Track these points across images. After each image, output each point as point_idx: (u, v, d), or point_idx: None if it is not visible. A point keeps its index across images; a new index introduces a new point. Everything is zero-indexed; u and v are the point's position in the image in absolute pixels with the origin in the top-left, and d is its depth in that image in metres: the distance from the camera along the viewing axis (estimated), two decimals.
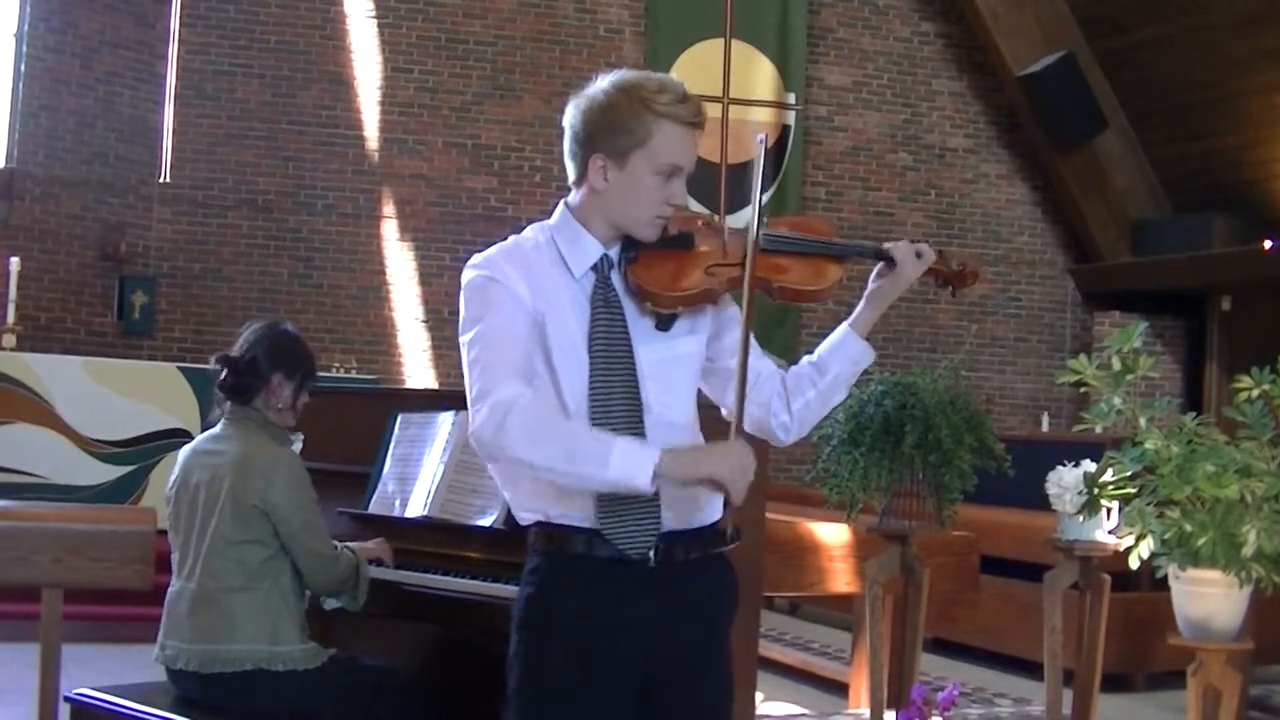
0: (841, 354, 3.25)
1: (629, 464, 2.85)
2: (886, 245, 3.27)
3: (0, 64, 12.21)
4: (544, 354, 3.04)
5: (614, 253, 3.12)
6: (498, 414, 2.89)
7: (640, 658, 3.04)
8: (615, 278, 3.11)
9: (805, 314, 13.26)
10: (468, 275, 3.10)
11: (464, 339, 3.07)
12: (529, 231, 3.18)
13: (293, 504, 4.21)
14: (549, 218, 3.19)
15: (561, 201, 3.18)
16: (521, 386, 2.95)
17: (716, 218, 3.25)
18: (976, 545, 6.89)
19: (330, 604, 4.41)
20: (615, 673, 3.03)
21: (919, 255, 3.24)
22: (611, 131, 3.04)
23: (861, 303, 3.28)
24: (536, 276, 3.06)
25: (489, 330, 3.02)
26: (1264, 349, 5.08)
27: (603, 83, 3.09)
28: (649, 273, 3.08)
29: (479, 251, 3.13)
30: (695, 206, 12.52)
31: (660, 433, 3.05)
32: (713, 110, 13.30)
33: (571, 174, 3.14)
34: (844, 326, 3.26)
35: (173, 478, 4.45)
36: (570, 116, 3.11)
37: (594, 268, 3.10)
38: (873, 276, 3.30)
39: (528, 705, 3.06)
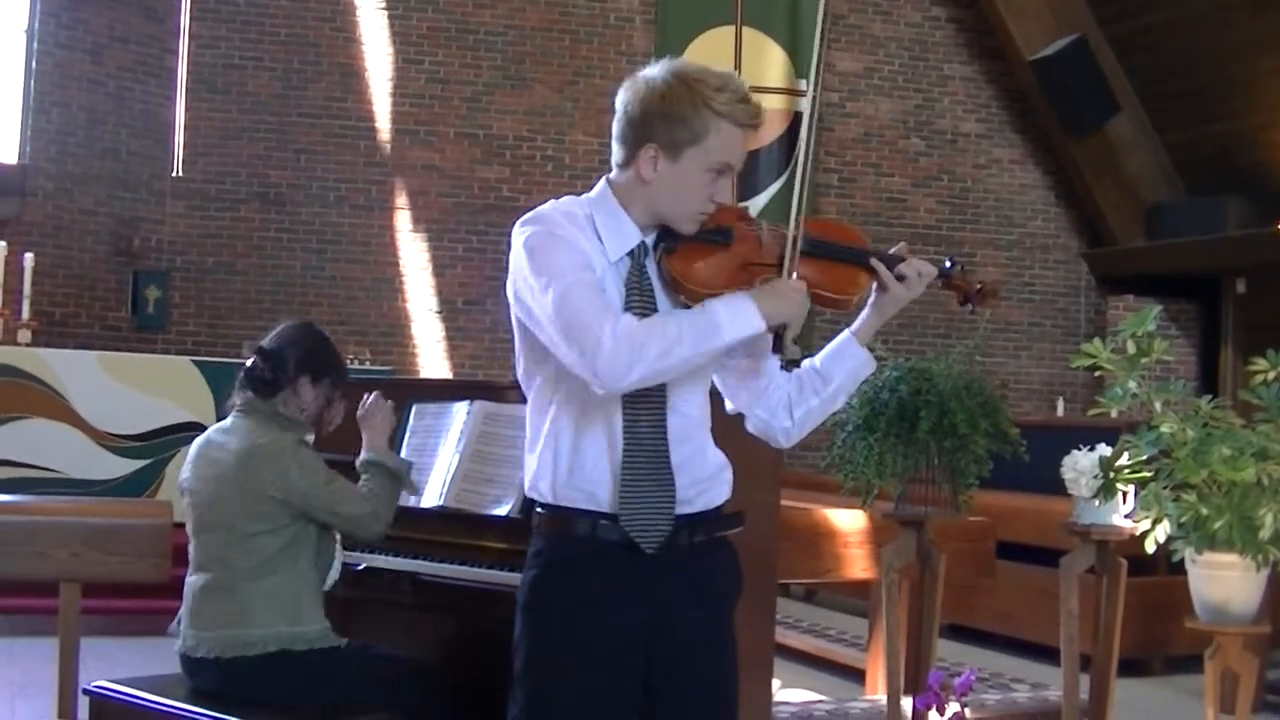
0: (844, 364, 3.24)
1: (739, 321, 2.97)
2: (900, 268, 3.21)
3: (11, 60, 12.24)
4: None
5: (651, 240, 3.12)
6: (624, 341, 2.87)
7: (644, 640, 3.06)
8: (650, 265, 3.11)
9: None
10: (526, 232, 3.05)
11: (544, 291, 2.97)
12: (567, 201, 3.15)
13: (313, 484, 4.21)
14: (589, 191, 3.18)
15: (604, 178, 3.17)
16: (620, 313, 2.96)
17: (751, 209, 3.24)
18: (992, 530, 6.89)
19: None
20: (619, 655, 3.04)
21: (920, 275, 3.20)
22: (668, 123, 3.03)
23: (865, 310, 3.26)
24: (583, 242, 3.06)
25: (572, 278, 2.97)
26: (1279, 331, 5.09)
27: (661, 69, 3.08)
28: (685, 266, 3.07)
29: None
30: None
31: (676, 423, 3.07)
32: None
33: (617, 156, 3.13)
34: (846, 334, 3.25)
35: (185, 471, 4.45)
36: (625, 99, 3.09)
37: (630, 253, 3.10)
38: (876, 285, 3.28)
39: (532, 688, 3.08)
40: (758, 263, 3.12)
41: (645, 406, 3.03)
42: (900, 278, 3.18)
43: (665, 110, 3.03)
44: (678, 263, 3.07)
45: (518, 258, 3.05)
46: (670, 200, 3.07)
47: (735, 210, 3.21)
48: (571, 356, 2.93)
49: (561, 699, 3.04)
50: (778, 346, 3.06)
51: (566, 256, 3.00)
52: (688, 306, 3.06)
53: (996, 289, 3.44)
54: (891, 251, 3.23)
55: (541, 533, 3.13)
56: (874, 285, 3.20)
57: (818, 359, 3.28)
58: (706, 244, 3.11)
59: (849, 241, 3.24)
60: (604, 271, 3.05)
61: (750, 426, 3.30)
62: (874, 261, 3.19)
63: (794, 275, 3.05)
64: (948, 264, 3.31)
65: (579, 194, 3.19)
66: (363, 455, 4.42)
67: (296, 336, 4.47)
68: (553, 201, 3.14)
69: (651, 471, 3.03)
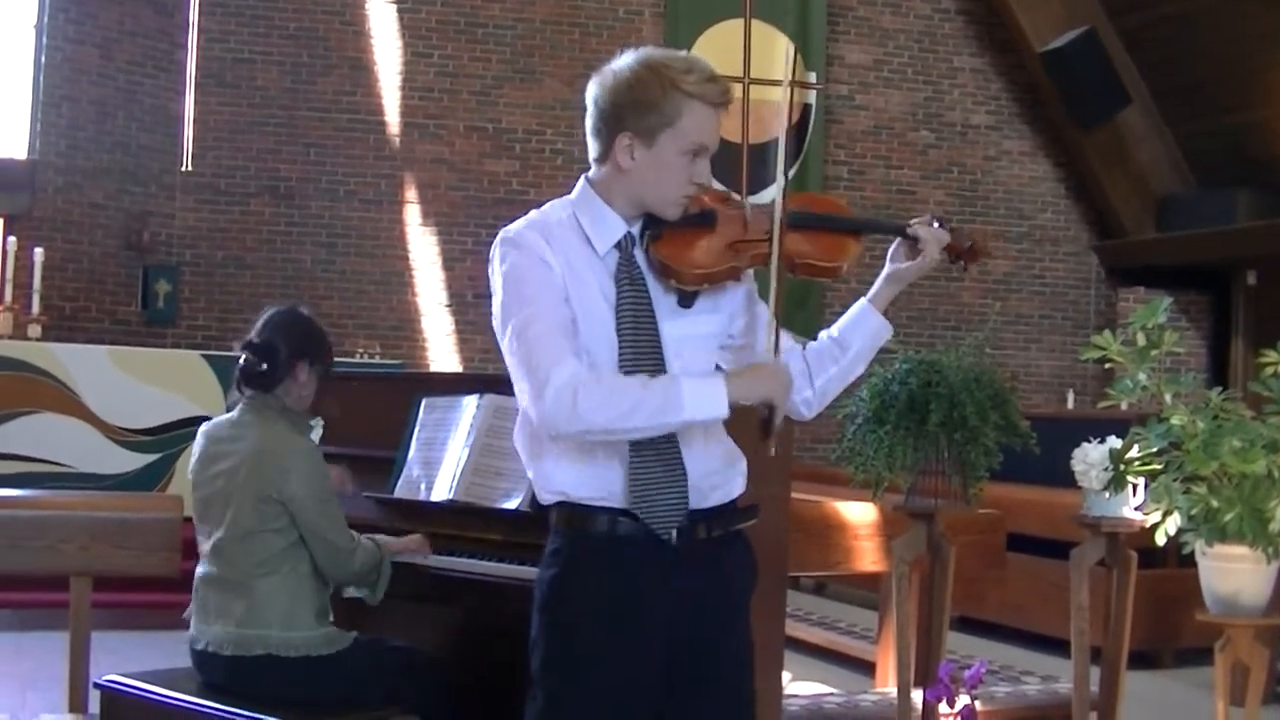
0: (861, 330, 3.25)
1: (704, 402, 2.94)
2: (912, 223, 3.27)
3: (20, 55, 12.25)
4: (574, 329, 3.04)
5: (636, 230, 3.12)
6: (566, 395, 2.90)
7: (664, 635, 3.06)
8: (639, 255, 3.11)
9: (828, 294, 13.24)
10: (501, 252, 3.09)
11: (506, 321, 3.05)
12: (550, 207, 3.17)
13: (310, 495, 4.21)
14: (569, 193, 3.19)
15: (582, 177, 3.18)
16: (574, 361, 2.96)
17: (737, 196, 3.26)
18: (1003, 523, 6.88)
19: (349, 592, 4.41)
20: (640, 650, 3.04)
21: (937, 240, 3.25)
22: (639, 110, 3.03)
23: (879, 281, 3.29)
24: (563, 251, 3.07)
25: (534, 311, 3.01)
26: None
27: (627, 59, 3.08)
28: (673, 250, 3.08)
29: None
30: (717, 187, 12.50)
31: None
32: (734, 91, 13.23)
33: (594, 151, 3.14)
34: (862, 302, 3.27)
35: (193, 460, 4.44)
36: (594, 93, 3.10)
37: (617, 245, 3.10)
38: (891, 254, 3.30)
39: (553, 687, 3.07)
40: (744, 239, 3.13)
41: None
42: (913, 240, 3.24)
43: (635, 98, 3.04)
44: (665, 248, 3.09)
45: (493, 279, 3.11)
46: (651, 187, 3.08)
47: (718, 194, 3.23)
48: (521, 394, 3.00)
49: (583, 697, 3.04)
50: (765, 432, 3.02)
51: (534, 287, 3.03)
52: (680, 290, 3.09)
53: (987, 244, 3.45)
54: (911, 223, 3.27)
55: (559, 530, 3.12)
56: (861, 254, 3.23)
57: (835, 328, 3.28)
58: (691, 227, 3.12)
59: (835, 212, 3.28)
60: (590, 274, 3.07)
61: None
62: (885, 220, 3.26)
63: (779, 357, 3.07)
64: (936, 224, 3.30)
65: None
66: (375, 537, 4.43)
67: (284, 323, 4.46)
68: (534, 212, 3.16)
69: (661, 463, 3.03)
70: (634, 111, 3.04)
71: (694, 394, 2.93)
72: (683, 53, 3.14)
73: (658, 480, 3.02)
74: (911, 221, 3.28)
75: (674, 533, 3.04)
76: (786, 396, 3.01)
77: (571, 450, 3.06)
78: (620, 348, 3.04)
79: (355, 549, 4.28)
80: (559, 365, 2.93)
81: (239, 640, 4.17)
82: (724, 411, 2.94)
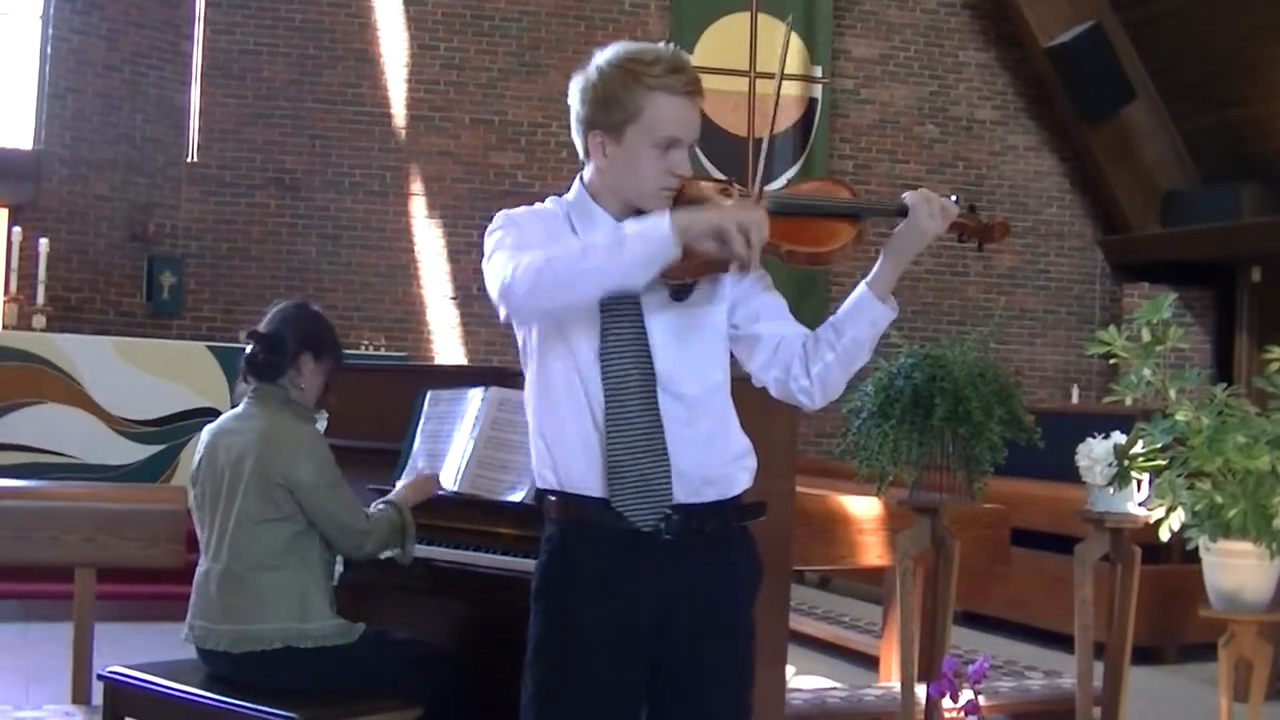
0: (859, 315, 3.11)
1: (647, 228, 2.86)
2: (905, 195, 3.13)
3: (26, 46, 12.25)
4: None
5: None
6: (532, 268, 2.89)
7: (655, 627, 3.05)
8: None
9: (834, 285, 13.21)
10: (496, 222, 3.13)
11: (490, 244, 3.08)
12: (547, 203, 3.21)
13: (319, 481, 4.21)
14: (568, 191, 3.20)
15: (577, 176, 3.21)
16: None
17: (737, 186, 3.16)
18: (1007, 518, 6.88)
19: (384, 554, 4.39)
20: (625, 641, 3.04)
21: (943, 210, 3.09)
22: (605, 107, 3.07)
23: (880, 258, 3.14)
24: (556, 240, 3.07)
25: (520, 233, 3.05)
26: None
27: (600, 58, 3.12)
28: None
29: None
30: (718, 176, 12.48)
31: (672, 406, 3.05)
32: (739, 85, 13.28)
33: (580, 151, 3.18)
34: (861, 286, 3.13)
35: (197, 457, 4.45)
36: (571, 94, 3.15)
37: None
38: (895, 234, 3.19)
39: (540, 673, 3.08)
40: None
41: (634, 387, 3.03)
42: (903, 212, 3.09)
43: (600, 95, 3.08)
44: None
45: (486, 246, 3.11)
46: (626, 182, 3.10)
47: (715, 184, 3.15)
48: (493, 290, 3.00)
49: (568, 684, 3.05)
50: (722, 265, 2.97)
51: (519, 235, 3.06)
52: (666, 284, 3.04)
53: (1006, 221, 3.31)
54: (904, 195, 3.13)
55: (552, 519, 3.13)
56: (857, 239, 3.11)
57: (835, 315, 3.16)
58: None
59: (831, 196, 3.16)
60: None
61: (773, 392, 3.22)
62: (880, 201, 3.20)
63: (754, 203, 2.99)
64: (953, 198, 3.20)
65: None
66: (388, 496, 4.44)
67: (292, 316, 4.47)
68: (536, 204, 3.20)
69: (641, 452, 3.02)
70: (601, 109, 3.08)
71: (637, 231, 2.87)
72: (658, 45, 3.14)
73: (635, 469, 3.01)
74: (905, 194, 3.13)
75: (662, 525, 3.02)
76: (744, 230, 2.83)
77: (564, 432, 3.06)
78: (602, 344, 3.04)
79: (370, 530, 4.27)
80: (529, 253, 2.94)
81: (255, 636, 4.17)
82: (664, 230, 2.81)
